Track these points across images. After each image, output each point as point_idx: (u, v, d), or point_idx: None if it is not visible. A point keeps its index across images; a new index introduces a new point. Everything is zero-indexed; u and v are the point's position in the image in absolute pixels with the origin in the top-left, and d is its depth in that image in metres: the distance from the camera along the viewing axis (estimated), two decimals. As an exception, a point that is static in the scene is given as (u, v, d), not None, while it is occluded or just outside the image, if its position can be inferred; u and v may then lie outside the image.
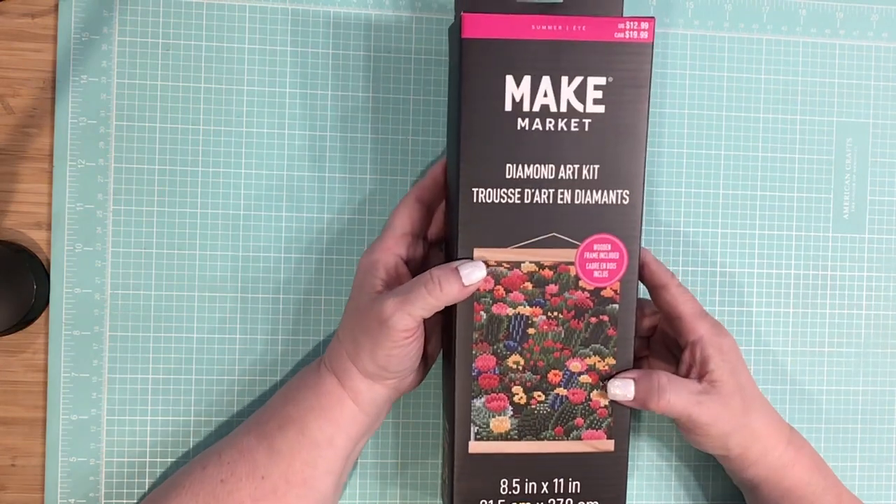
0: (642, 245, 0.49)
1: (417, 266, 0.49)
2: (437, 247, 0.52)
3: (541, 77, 0.45)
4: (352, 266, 0.53)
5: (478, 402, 0.47)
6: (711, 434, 0.48)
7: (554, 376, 0.47)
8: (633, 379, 0.47)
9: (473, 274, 0.45)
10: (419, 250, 0.49)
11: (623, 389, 0.47)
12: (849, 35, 0.57)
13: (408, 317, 0.43)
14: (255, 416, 0.49)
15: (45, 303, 0.52)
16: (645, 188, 0.47)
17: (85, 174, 0.52)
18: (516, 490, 0.48)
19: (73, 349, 0.52)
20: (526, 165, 0.45)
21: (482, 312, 0.46)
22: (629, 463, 0.48)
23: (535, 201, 0.46)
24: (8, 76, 0.52)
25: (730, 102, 0.56)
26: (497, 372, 0.47)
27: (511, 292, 0.46)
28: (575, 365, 0.47)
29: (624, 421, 0.48)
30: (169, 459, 0.52)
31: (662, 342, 0.52)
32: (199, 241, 0.52)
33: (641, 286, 0.51)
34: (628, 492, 0.55)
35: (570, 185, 0.46)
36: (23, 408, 0.52)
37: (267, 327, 0.53)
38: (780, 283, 0.56)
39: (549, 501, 0.48)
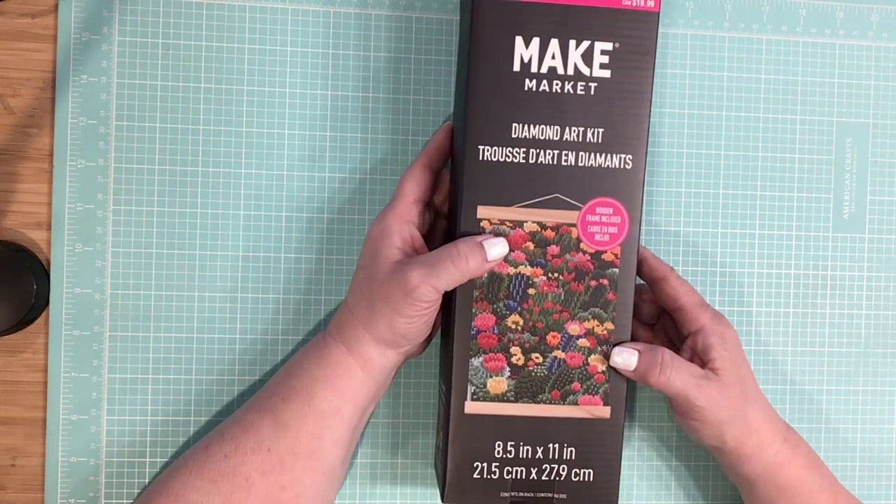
0: (642, 244, 0.49)
1: (426, 233, 0.49)
2: (441, 215, 0.52)
3: (549, 39, 0.46)
4: (352, 266, 0.53)
5: (476, 362, 0.47)
6: (707, 420, 0.47)
7: (552, 338, 0.47)
8: (638, 350, 0.47)
9: (496, 248, 0.45)
10: (427, 217, 0.50)
11: (626, 358, 0.47)
12: (849, 35, 0.57)
13: (432, 289, 0.44)
14: (256, 396, 0.49)
15: (45, 303, 0.52)
16: (647, 156, 0.47)
17: (85, 174, 0.52)
18: (511, 454, 0.47)
19: (72, 349, 0.52)
20: (532, 125, 0.46)
21: None
22: (629, 462, 0.48)
23: (539, 161, 0.46)
24: (8, 76, 0.52)
25: (730, 102, 0.56)
26: (496, 331, 0.47)
27: (513, 251, 0.46)
28: (574, 328, 0.47)
29: (621, 388, 0.48)
30: (169, 459, 0.52)
31: (665, 334, 0.53)
32: (199, 241, 0.52)
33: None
34: (628, 492, 0.55)
35: (575, 147, 0.46)
36: (23, 408, 0.52)
37: (267, 327, 0.53)
38: (780, 283, 0.56)
39: (543, 467, 0.48)
